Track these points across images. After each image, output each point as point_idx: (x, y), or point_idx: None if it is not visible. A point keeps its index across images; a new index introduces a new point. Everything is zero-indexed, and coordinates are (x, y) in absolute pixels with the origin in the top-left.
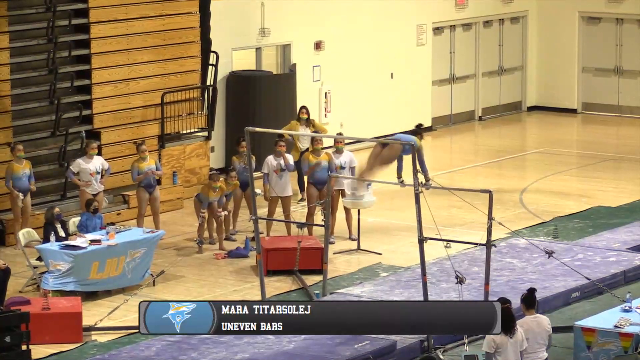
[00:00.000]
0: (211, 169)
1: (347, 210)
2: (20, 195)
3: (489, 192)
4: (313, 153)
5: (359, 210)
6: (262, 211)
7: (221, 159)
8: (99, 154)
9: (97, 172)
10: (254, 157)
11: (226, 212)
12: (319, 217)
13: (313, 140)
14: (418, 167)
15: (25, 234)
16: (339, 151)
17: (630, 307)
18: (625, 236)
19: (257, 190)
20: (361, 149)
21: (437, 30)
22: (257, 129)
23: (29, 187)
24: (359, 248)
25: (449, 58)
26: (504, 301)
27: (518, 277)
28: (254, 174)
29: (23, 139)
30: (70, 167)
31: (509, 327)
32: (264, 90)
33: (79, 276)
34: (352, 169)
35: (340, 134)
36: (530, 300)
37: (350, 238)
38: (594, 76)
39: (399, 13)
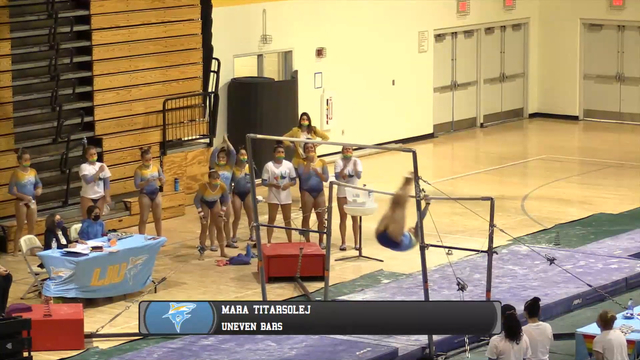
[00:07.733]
0: (210, 168)
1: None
2: (32, 199)
3: (491, 199)
4: (306, 159)
5: (360, 217)
6: (263, 218)
7: None
8: (101, 160)
9: (100, 178)
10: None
11: (225, 219)
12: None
13: (305, 147)
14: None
15: (26, 241)
16: (347, 159)
17: (632, 314)
18: (627, 243)
19: (259, 197)
20: (362, 155)
21: (439, 37)
22: (259, 136)
23: (32, 194)
24: (360, 255)
25: (451, 65)
26: (509, 308)
27: (520, 284)
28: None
29: (25, 145)
30: (80, 174)
31: (514, 334)
32: (265, 97)
33: (81, 283)
34: (359, 173)
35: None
36: (534, 308)
37: (355, 248)
38: (596, 83)
39: (401, 20)
